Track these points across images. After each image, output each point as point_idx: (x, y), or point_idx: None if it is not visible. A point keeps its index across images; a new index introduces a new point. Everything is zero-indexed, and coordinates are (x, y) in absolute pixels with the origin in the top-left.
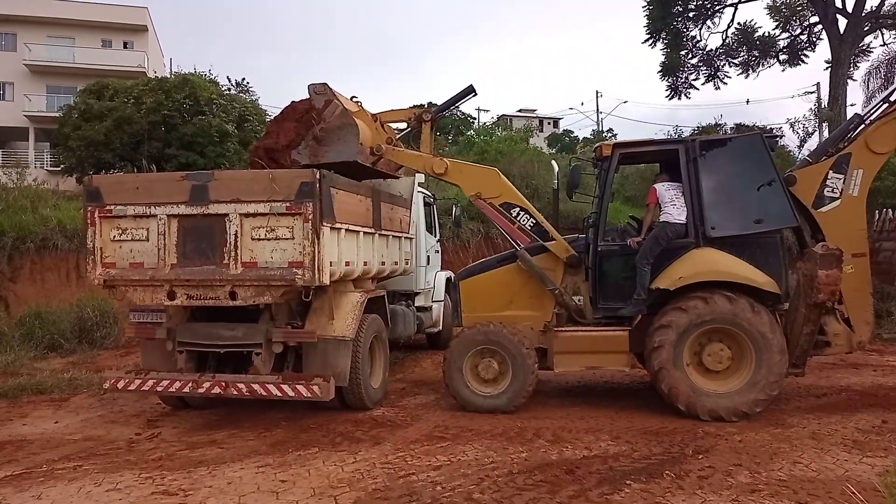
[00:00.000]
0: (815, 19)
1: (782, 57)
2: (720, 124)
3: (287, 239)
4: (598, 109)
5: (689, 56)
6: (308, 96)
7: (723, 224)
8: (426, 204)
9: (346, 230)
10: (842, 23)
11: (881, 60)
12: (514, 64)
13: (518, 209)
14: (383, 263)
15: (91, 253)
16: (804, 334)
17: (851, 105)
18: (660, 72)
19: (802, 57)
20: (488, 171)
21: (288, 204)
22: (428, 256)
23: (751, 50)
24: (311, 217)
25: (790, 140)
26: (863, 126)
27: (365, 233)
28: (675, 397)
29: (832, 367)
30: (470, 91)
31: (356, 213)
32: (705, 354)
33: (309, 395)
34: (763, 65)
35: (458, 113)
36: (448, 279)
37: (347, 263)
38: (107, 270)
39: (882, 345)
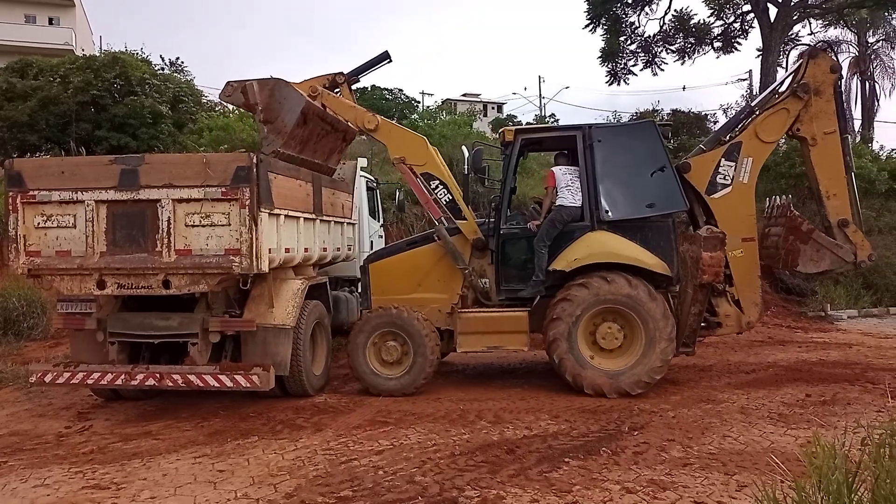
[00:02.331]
0: (747, 7)
1: (717, 44)
2: (657, 110)
3: (223, 225)
4: (540, 94)
5: (628, 42)
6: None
7: (617, 208)
8: (369, 189)
9: (286, 216)
10: (772, 11)
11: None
12: (457, 47)
13: (438, 182)
14: (325, 249)
15: (14, 241)
16: (692, 314)
17: None
18: (600, 57)
19: (735, 44)
20: (417, 137)
21: (223, 189)
22: (371, 242)
23: (687, 37)
24: (248, 203)
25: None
26: (753, 116)
27: (305, 218)
28: (563, 369)
29: (760, 345)
30: (385, 57)
31: (296, 199)
32: (599, 334)
33: (248, 384)
34: (699, 52)
35: (402, 96)
36: None
37: (287, 250)
38: (31, 259)
39: (807, 322)
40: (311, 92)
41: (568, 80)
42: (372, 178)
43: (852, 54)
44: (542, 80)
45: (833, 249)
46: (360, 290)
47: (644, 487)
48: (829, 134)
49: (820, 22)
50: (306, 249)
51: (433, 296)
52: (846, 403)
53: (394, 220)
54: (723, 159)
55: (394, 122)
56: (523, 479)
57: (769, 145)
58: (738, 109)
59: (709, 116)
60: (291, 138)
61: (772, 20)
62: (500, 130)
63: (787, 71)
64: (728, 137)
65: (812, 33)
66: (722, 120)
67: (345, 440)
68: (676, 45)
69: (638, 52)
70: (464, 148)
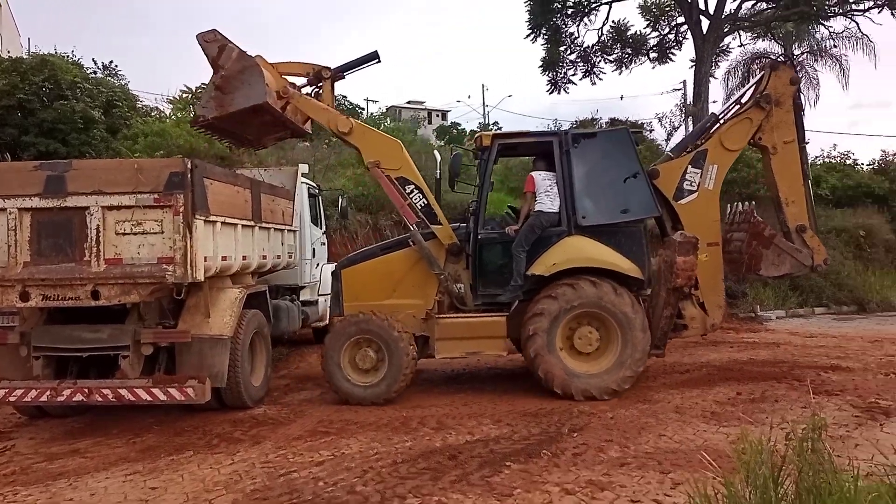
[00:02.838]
0: (681, 20)
1: (652, 55)
2: (596, 119)
3: (156, 233)
4: (484, 103)
5: (568, 52)
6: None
7: (592, 214)
8: (311, 195)
9: (223, 223)
10: (704, 24)
11: (739, 60)
12: (401, 56)
13: (413, 187)
14: (264, 257)
15: None
16: (664, 317)
17: (714, 102)
18: (541, 66)
19: (670, 55)
20: (392, 141)
21: (156, 196)
22: (313, 249)
23: (624, 47)
24: (181, 209)
25: (659, 134)
26: (718, 124)
27: (243, 225)
28: (550, 381)
29: (694, 346)
30: (374, 57)
31: (233, 205)
32: (576, 338)
33: (182, 398)
34: (635, 62)
35: (346, 103)
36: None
37: (224, 258)
38: None
39: (738, 323)
40: (282, 92)
41: (511, 88)
42: (314, 184)
43: None
44: (485, 88)
45: (793, 254)
46: (300, 299)
47: (583, 488)
48: (789, 143)
49: (749, 34)
50: (244, 257)
51: (407, 302)
52: (774, 400)
53: (337, 227)
54: (689, 166)
55: (368, 126)
56: (465, 485)
57: (733, 153)
58: (706, 118)
59: (645, 125)
60: (230, 117)
61: (704, 32)
62: (477, 135)
63: (721, 81)
64: (694, 145)
65: (742, 45)
66: (658, 129)
67: (284, 452)
68: (614, 56)
69: (577, 62)
70: (436, 153)
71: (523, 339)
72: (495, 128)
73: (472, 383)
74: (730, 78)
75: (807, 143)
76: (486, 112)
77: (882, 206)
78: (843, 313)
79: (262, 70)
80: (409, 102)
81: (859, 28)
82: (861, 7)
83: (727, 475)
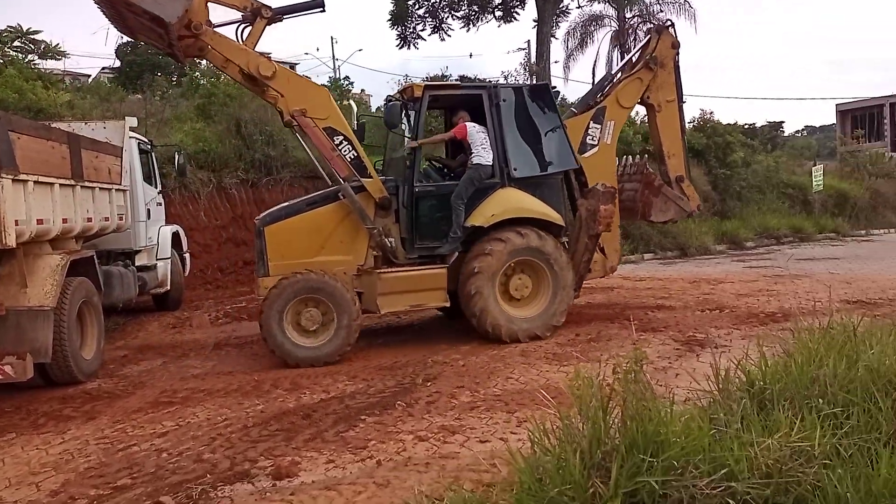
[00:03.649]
0: None
1: (498, 13)
2: (446, 76)
3: None
4: (333, 56)
5: (416, 6)
6: None
7: (523, 166)
8: (142, 151)
9: (36, 182)
10: None
11: (577, 22)
12: None
13: (342, 138)
14: (90, 220)
15: None
16: (583, 262)
17: (555, 61)
18: (389, 20)
19: (514, 14)
20: (319, 88)
21: None
22: (148, 210)
23: (471, 4)
24: None
25: None
26: (612, 83)
27: (62, 185)
28: (497, 331)
29: None
30: (318, 4)
31: (48, 162)
32: (511, 285)
33: (0, 377)
34: (482, 20)
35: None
36: (175, 234)
37: (40, 221)
38: None
39: None
40: (195, 27)
41: (361, 42)
42: (145, 139)
43: (613, 28)
44: (334, 41)
45: (676, 201)
46: (135, 264)
47: (435, 434)
48: (670, 102)
49: None
50: (65, 220)
51: (337, 258)
52: (608, 339)
53: (175, 186)
54: (591, 122)
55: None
56: (319, 442)
57: (627, 110)
58: (602, 77)
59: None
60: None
61: None
62: (407, 86)
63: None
64: (595, 102)
65: (580, 6)
66: None
67: (122, 426)
68: (461, 12)
69: (426, 17)
70: (351, 102)
71: (466, 290)
72: (346, 83)
73: None
74: (569, 39)
75: (684, 102)
76: (337, 66)
77: (700, 160)
78: (668, 258)
79: None
80: None
81: None
82: None
83: (564, 409)
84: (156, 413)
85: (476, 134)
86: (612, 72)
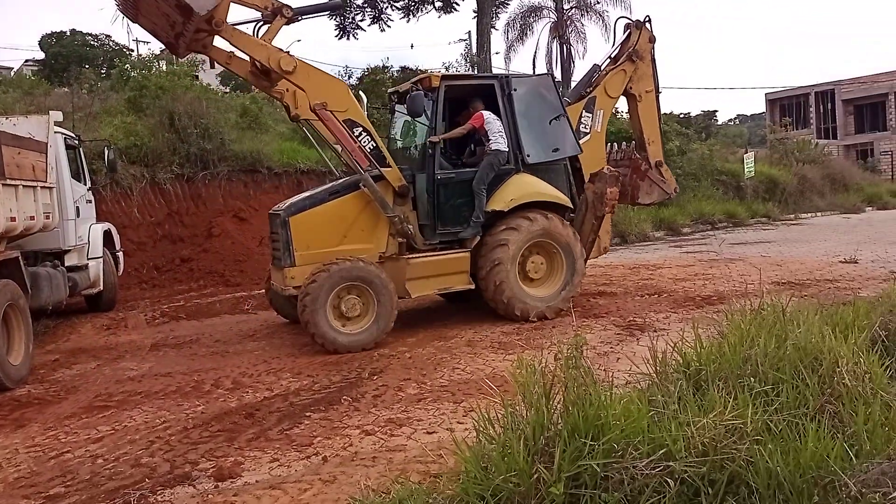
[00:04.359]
0: None
1: (438, 4)
2: (387, 67)
3: None
4: None
5: None
6: None
7: (535, 152)
8: (69, 147)
9: None
10: None
11: (517, 13)
12: None
13: (361, 129)
14: (13, 220)
15: None
16: (589, 242)
17: (496, 53)
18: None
19: (454, 5)
20: (339, 81)
21: None
22: (77, 208)
23: None
24: None
25: None
26: (600, 74)
27: None
28: (512, 306)
29: None
30: (338, 6)
31: None
32: (528, 266)
33: None
34: (422, 10)
35: (111, 43)
36: (107, 232)
37: None
38: None
39: None
40: (217, 23)
41: (300, 33)
42: (72, 134)
43: (552, 20)
44: None
45: (660, 184)
46: (65, 264)
47: (382, 427)
48: (649, 92)
49: None
50: None
51: (359, 246)
52: (552, 326)
53: (106, 183)
54: (583, 111)
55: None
56: (263, 441)
57: (614, 100)
58: (590, 68)
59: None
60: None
61: None
62: (424, 77)
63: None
64: (585, 92)
65: None
66: None
67: (54, 433)
68: (401, 2)
69: (365, 7)
70: (360, 93)
71: (488, 272)
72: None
73: (269, 339)
74: (509, 30)
75: (660, 92)
76: None
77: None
78: (610, 245)
79: None
80: None
81: None
82: None
83: (508, 397)
84: (90, 418)
85: (493, 122)
86: (598, 64)
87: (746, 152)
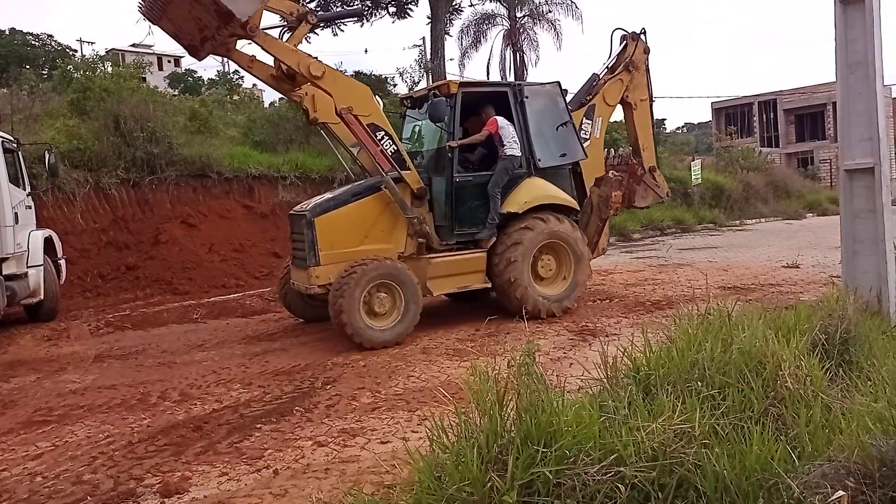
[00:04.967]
0: None
1: (392, 9)
2: (341, 71)
3: None
4: None
5: (308, 0)
6: None
7: (545, 157)
8: (7, 150)
9: None
10: None
11: (471, 20)
12: None
13: (383, 133)
14: None
15: None
16: (593, 242)
17: (451, 59)
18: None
19: (408, 10)
20: (363, 87)
21: None
22: (16, 214)
23: (363, 1)
24: None
25: (401, 88)
26: (598, 83)
27: None
28: (525, 301)
29: None
30: (359, 13)
31: None
32: (539, 265)
33: None
34: (375, 15)
35: (53, 43)
36: (48, 239)
37: None
38: None
39: None
40: (251, 27)
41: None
42: (10, 137)
43: (505, 27)
44: None
45: (654, 189)
46: (2, 273)
47: (335, 438)
48: (643, 101)
49: None
50: None
51: (380, 246)
52: (506, 333)
53: (47, 187)
54: (584, 118)
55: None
56: (211, 455)
57: (612, 108)
58: (589, 77)
59: (388, 79)
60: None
61: None
62: (444, 82)
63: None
64: (585, 100)
65: (472, 5)
66: (399, 83)
67: None
68: (354, 8)
69: (317, 11)
70: (377, 98)
71: (503, 270)
72: (237, 77)
73: (219, 349)
74: (463, 36)
75: (653, 101)
76: (224, 60)
77: None
78: (607, 247)
79: None
80: (133, 46)
81: None
82: None
83: (462, 405)
84: (28, 434)
85: (506, 127)
86: (597, 73)
87: (693, 160)
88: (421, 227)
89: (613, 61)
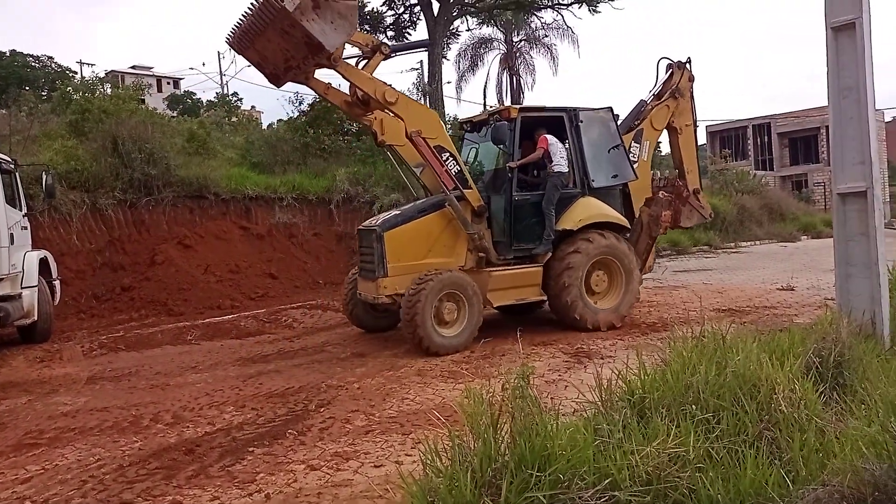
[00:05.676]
0: (414, 0)
1: (390, 33)
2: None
3: None
4: (220, 71)
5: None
6: None
7: (599, 178)
8: (4, 171)
9: None
10: (436, 6)
11: (468, 44)
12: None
13: (448, 154)
14: None
15: None
16: (642, 260)
17: (448, 82)
18: None
19: (406, 34)
20: (431, 112)
21: None
22: (11, 234)
23: (362, 24)
24: None
25: None
26: (646, 108)
27: None
28: (583, 317)
29: None
30: (426, 44)
31: None
32: (592, 280)
33: None
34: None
35: (54, 65)
36: (43, 259)
37: None
38: None
39: None
40: (336, 57)
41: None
42: (7, 158)
43: (502, 51)
44: (221, 56)
45: (698, 210)
46: None
47: (328, 461)
48: (688, 126)
49: (475, 19)
50: None
51: (442, 260)
52: (501, 355)
53: (44, 208)
54: (632, 142)
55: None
56: (203, 479)
57: (659, 132)
58: (637, 103)
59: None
60: (285, 26)
61: (435, 15)
62: (505, 108)
63: (454, 63)
64: (634, 124)
65: (469, 30)
66: None
67: None
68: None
69: None
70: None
71: (559, 284)
72: (234, 98)
73: (213, 371)
74: (461, 60)
75: (697, 126)
76: (225, 82)
77: None
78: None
79: (354, 29)
80: (133, 67)
81: (564, 21)
82: (566, 1)
83: (456, 428)
84: (18, 457)
85: (555, 144)
86: (644, 99)
87: None
88: (481, 243)
89: (660, 88)
